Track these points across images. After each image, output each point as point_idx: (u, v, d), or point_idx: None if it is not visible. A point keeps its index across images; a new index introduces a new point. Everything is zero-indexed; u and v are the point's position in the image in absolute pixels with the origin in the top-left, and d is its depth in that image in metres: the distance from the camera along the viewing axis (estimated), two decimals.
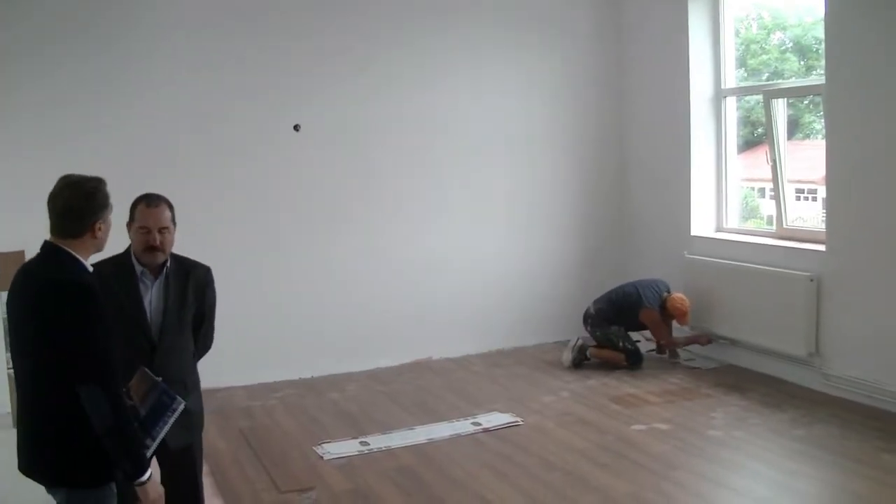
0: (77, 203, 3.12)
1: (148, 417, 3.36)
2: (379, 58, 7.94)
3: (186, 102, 7.27)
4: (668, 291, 7.87)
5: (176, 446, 3.85)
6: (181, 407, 3.42)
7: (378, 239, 8.04)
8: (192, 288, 3.97)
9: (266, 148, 7.58)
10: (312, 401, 7.08)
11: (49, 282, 3.06)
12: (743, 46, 8.33)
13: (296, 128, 7.61)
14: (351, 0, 7.81)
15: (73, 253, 3.11)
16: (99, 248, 3.23)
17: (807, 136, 7.96)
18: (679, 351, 8.03)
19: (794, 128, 7.95)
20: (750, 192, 8.49)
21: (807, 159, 7.66)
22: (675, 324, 7.98)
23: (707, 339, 7.81)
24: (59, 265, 3.10)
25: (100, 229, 3.16)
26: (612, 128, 8.96)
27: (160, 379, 3.47)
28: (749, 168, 8.28)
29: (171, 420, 3.38)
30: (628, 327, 7.89)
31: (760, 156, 7.82)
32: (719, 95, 8.17)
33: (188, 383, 3.97)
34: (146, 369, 3.49)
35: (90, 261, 3.22)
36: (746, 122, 8.34)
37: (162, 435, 3.37)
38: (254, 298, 7.45)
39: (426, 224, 8.23)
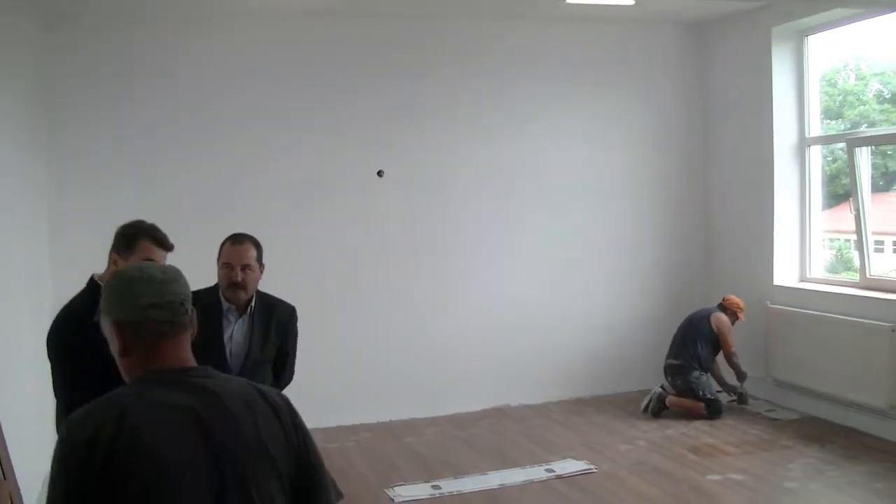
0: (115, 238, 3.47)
1: None
2: (463, 106, 8.10)
3: (272, 146, 7.58)
4: None
5: None
6: None
7: (459, 285, 8.15)
8: (275, 325, 4.08)
9: (349, 192, 7.80)
10: (389, 444, 7.17)
11: None
12: (840, 97, 8.27)
13: (379, 174, 7.80)
14: (435, 49, 8.02)
15: (98, 281, 3.41)
16: None
17: None
18: (749, 399, 7.97)
19: (894, 179, 7.83)
20: (845, 245, 8.35)
21: None
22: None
23: (742, 386, 7.91)
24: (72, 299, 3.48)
25: (115, 263, 3.40)
26: (695, 177, 8.93)
27: None
28: (842, 220, 8.14)
29: None
30: (701, 361, 7.84)
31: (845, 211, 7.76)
32: (803, 144, 8.09)
33: None
34: None
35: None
36: (843, 173, 8.21)
37: None
38: (335, 341, 7.62)
39: (507, 270, 8.30)
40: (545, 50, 8.34)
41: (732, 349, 7.87)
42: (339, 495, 4.13)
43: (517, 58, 8.25)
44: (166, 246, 3.48)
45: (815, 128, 8.10)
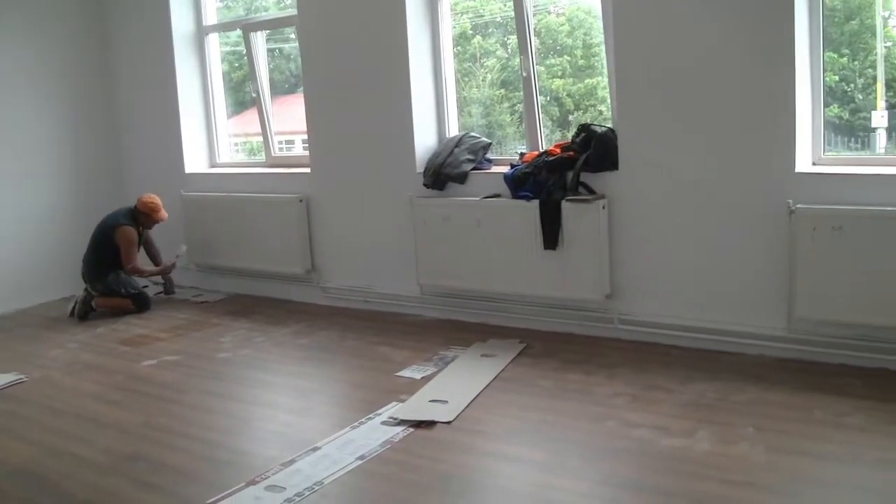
0: None
1: None
2: None
3: None
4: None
5: None
6: None
7: None
8: None
9: None
10: None
11: None
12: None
13: None
14: None
15: None
16: None
17: None
18: (175, 289, 8.12)
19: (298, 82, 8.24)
20: (257, 145, 8.56)
21: None
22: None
23: (172, 265, 7.94)
24: None
25: None
26: (99, 71, 8.68)
27: None
28: (250, 125, 8.45)
29: None
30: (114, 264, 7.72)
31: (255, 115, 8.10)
32: (202, 32, 8.26)
33: None
34: None
35: None
36: (248, 80, 8.41)
37: None
38: None
39: None
40: None
41: (129, 266, 7.61)
42: None
43: None
44: None
45: (212, 17, 8.31)
